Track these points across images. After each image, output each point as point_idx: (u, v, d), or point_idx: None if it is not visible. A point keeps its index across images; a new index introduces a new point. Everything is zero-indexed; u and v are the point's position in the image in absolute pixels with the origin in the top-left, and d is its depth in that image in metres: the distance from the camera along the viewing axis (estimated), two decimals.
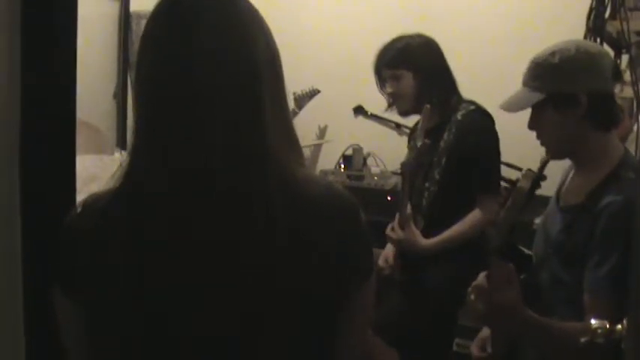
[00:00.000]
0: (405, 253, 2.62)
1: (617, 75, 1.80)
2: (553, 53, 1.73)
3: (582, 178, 1.77)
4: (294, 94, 3.77)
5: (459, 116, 2.59)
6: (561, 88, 1.71)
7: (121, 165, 1.08)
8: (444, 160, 2.57)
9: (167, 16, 1.06)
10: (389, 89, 2.69)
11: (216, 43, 1.03)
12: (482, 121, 2.59)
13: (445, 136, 2.59)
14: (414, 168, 2.61)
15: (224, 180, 1.02)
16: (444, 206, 2.59)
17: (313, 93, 3.84)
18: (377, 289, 1.16)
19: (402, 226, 2.57)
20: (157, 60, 1.05)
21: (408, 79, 2.63)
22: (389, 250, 2.76)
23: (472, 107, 2.62)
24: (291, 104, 3.60)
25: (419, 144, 2.62)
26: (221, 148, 1.02)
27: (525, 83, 1.78)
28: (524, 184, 1.56)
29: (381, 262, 2.72)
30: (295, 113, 3.71)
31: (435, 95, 2.62)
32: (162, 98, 1.04)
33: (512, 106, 1.81)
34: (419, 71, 2.62)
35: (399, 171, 3.87)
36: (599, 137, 1.73)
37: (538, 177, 1.53)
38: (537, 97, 1.73)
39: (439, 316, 2.58)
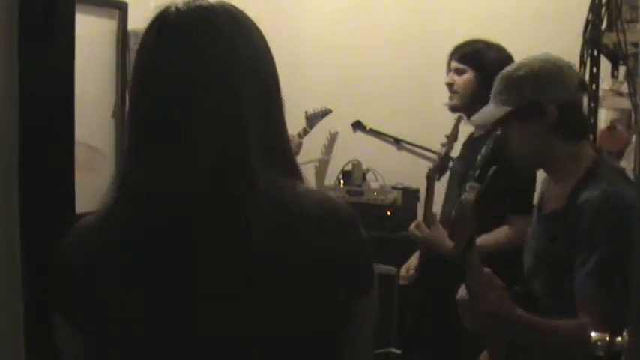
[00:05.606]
0: (431, 253, 2.63)
1: (583, 86, 1.84)
2: (519, 67, 1.76)
3: (559, 186, 1.78)
4: (306, 113, 3.70)
5: (498, 130, 2.58)
6: (527, 100, 1.72)
7: (111, 184, 1.07)
8: (477, 173, 2.55)
9: (153, 35, 1.08)
10: (448, 79, 2.75)
11: (196, 62, 1.03)
12: None
13: (484, 150, 2.57)
14: (436, 174, 2.68)
15: (209, 205, 1.02)
16: None
17: (325, 113, 3.76)
18: (380, 302, 1.14)
19: (428, 225, 2.60)
20: (141, 80, 1.07)
21: (469, 76, 2.70)
22: (413, 260, 2.81)
23: None
24: (303, 123, 3.62)
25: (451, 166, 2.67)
26: (204, 173, 1.02)
27: (493, 98, 1.82)
28: (469, 197, 1.60)
29: (403, 270, 2.81)
30: (306, 132, 3.69)
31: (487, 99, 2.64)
32: (146, 119, 1.06)
33: (479, 121, 1.89)
34: (481, 72, 2.65)
35: (398, 186, 3.90)
36: (569, 147, 1.74)
37: (486, 186, 1.59)
38: (503, 110, 1.77)
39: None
